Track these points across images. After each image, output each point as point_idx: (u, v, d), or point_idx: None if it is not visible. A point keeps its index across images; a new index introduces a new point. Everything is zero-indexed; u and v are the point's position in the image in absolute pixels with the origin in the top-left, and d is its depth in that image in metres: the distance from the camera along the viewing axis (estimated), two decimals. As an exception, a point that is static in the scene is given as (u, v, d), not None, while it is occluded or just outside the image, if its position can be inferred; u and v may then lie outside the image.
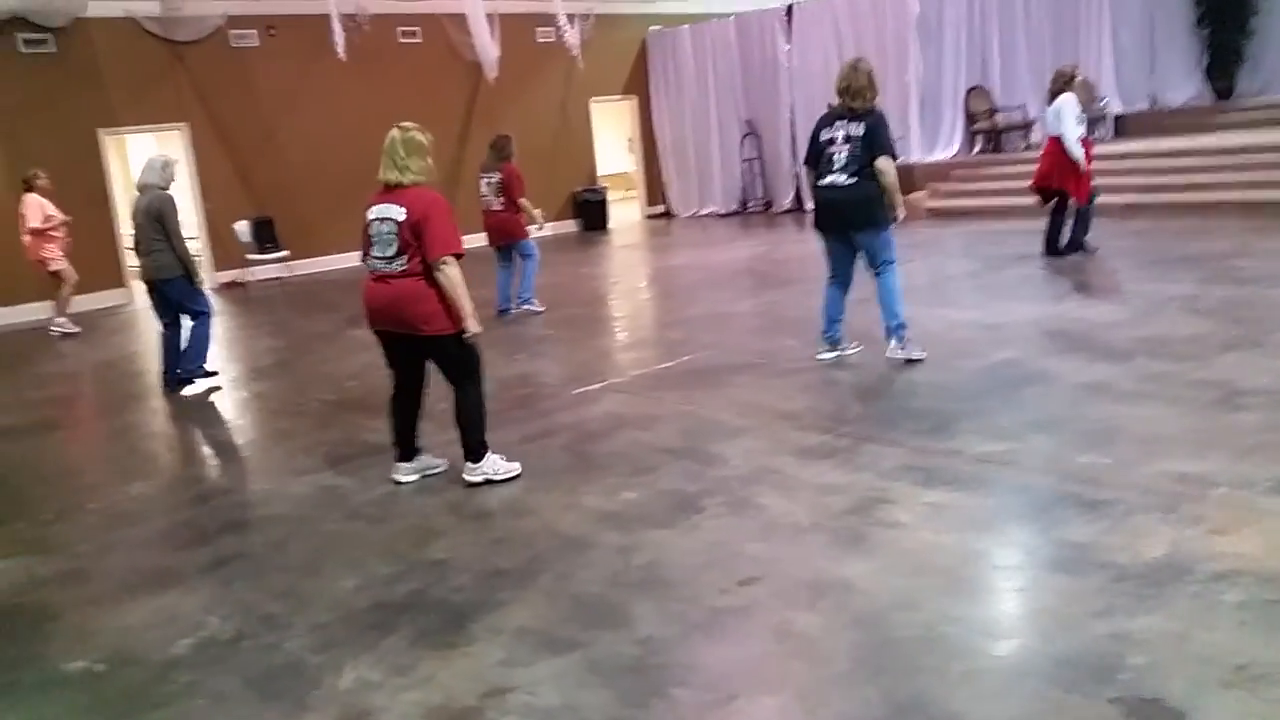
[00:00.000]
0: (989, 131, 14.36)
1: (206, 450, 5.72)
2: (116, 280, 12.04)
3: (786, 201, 15.44)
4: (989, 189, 12.58)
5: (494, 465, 4.44)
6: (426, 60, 14.22)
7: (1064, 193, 8.38)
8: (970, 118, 14.38)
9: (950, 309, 7.03)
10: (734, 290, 9.13)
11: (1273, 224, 9.03)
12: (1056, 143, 8.28)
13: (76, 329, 10.07)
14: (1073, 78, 8.40)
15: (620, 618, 3.08)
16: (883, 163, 5.46)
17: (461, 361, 4.30)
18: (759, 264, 10.66)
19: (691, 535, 3.68)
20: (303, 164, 13.15)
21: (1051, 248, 8.56)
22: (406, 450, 4.52)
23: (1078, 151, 8.15)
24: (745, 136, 15.86)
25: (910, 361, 5.62)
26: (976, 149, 14.51)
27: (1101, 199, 8.74)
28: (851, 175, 5.54)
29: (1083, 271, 7.98)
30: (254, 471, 5.07)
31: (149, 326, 8.91)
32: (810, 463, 4.27)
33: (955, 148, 14.23)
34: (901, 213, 5.64)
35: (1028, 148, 14.28)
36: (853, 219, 5.66)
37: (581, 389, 5.95)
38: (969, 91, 14.38)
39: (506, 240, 8.46)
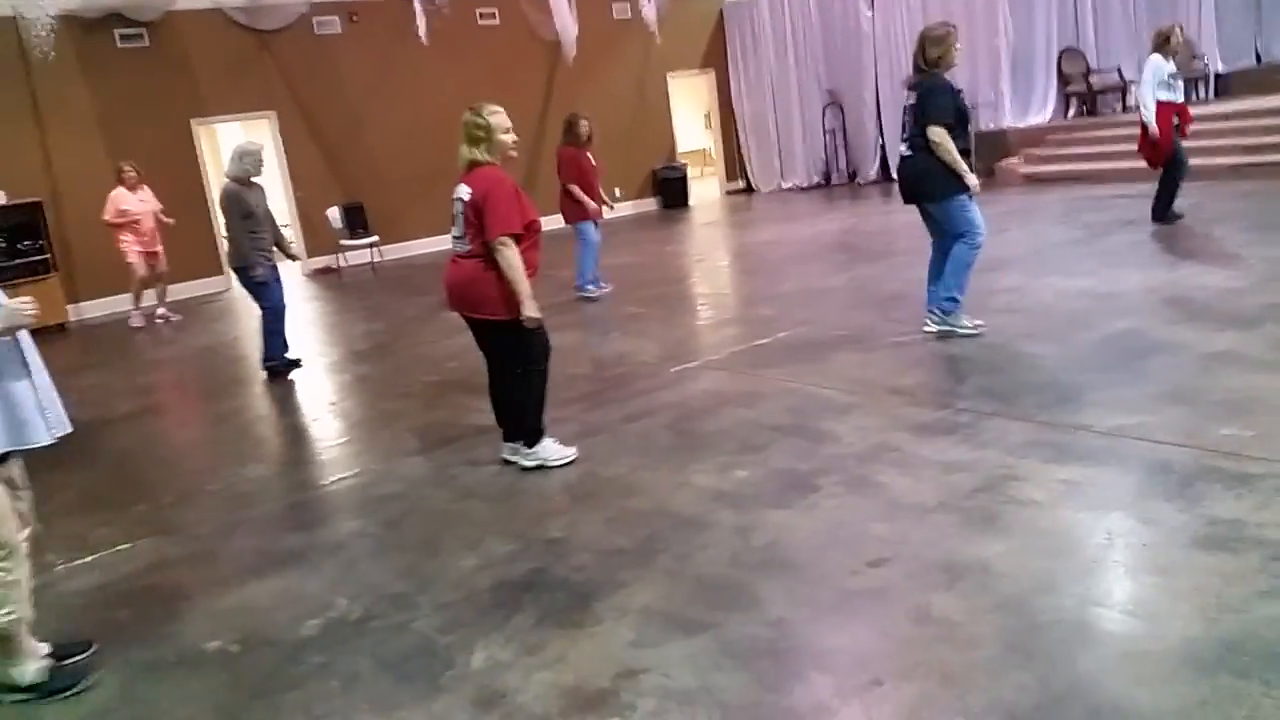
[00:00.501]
0: (1083, 94, 13.83)
1: (315, 433, 5.81)
2: (215, 268, 12.35)
3: (872, 172, 15.12)
4: (1085, 154, 12.13)
5: (549, 450, 4.42)
6: (505, 42, 14.24)
7: (1178, 154, 8.01)
8: (1064, 80, 13.86)
9: (1059, 277, 6.76)
10: (823, 265, 8.94)
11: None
12: (1161, 106, 7.91)
13: (143, 323, 10.33)
14: (1168, 38, 7.99)
15: (748, 599, 3.01)
16: (932, 132, 5.30)
17: (520, 348, 4.26)
18: (847, 237, 10.43)
19: (811, 515, 3.58)
20: (387, 149, 13.31)
21: (1156, 214, 8.21)
22: (511, 430, 4.51)
23: (1149, 116, 7.86)
24: (827, 107, 15.56)
25: (951, 335, 5.56)
26: (1071, 112, 13.99)
27: (1207, 161, 8.31)
28: (911, 147, 5.49)
29: (1194, 237, 7.61)
30: (364, 452, 5.12)
31: (248, 311, 9.13)
32: (929, 439, 4.13)
33: (1049, 112, 13.74)
34: (972, 181, 5.35)
35: (1125, 110, 13.75)
36: (917, 191, 5.58)
37: (679, 367, 5.88)
38: (1062, 53, 13.87)
39: (569, 220, 8.49)
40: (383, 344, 7.93)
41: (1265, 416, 3.87)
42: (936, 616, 2.79)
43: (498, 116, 4.17)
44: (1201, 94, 13.40)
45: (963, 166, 5.31)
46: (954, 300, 5.60)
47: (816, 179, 15.96)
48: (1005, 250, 7.92)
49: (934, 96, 5.37)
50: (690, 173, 17.06)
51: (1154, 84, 7.89)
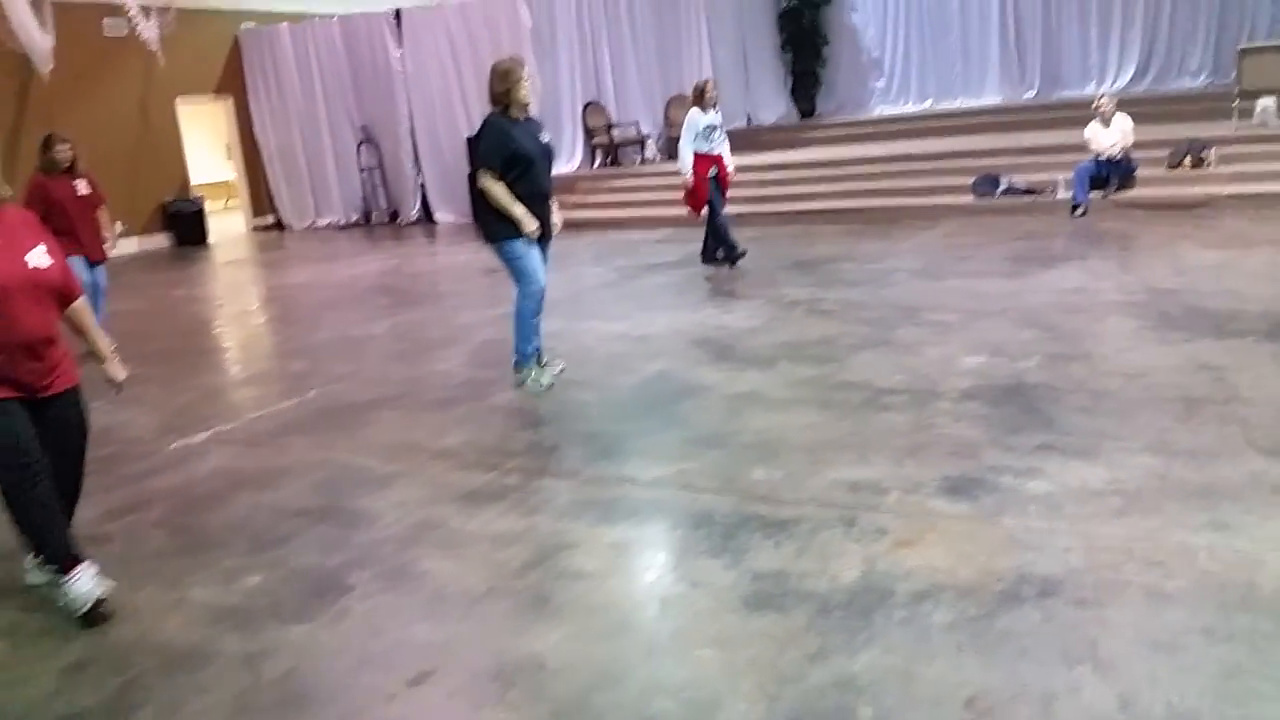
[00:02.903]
0: (607, 146, 14.68)
1: None
2: None
3: (413, 212, 14.70)
4: (612, 201, 12.80)
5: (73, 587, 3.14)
6: (-41, 48, 11.68)
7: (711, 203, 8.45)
8: (589, 132, 14.60)
9: (598, 320, 6.81)
10: (363, 310, 8.29)
11: (864, 229, 9.94)
12: (698, 158, 8.32)
13: None
14: (704, 92, 8.44)
15: (254, 760, 2.33)
16: (479, 177, 5.06)
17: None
18: (390, 280, 9.87)
19: (340, 626, 2.97)
20: None
21: (705, 257, 8.65)
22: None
23: (685, 167, 8.27)
24: (362, 144, 14.89)
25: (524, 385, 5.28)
26: (597, 163, 14.77)
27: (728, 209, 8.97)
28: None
29: (713, 279, 8.18)
30: None
31: None
32: (477, 510, 3.72)
33: (577, 161, 14.36)
34: (528, 225, 4.95)
35: (643, 162, 14.82)
36: (481, 233, 5.31)
37: (182, 441, 4.91)
38: (585, 107, 14.60)
39: None
40: None
41: (790, 456, 4.00)
42: (489, 743, 2.34)
43: None
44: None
45: (516, 211, 4.93)
46: (522, 354, 5.28)
47: (355, 217, 15.20)
48: (548, 294, 7.90)
49: (483, 138, 5.07)
50: (211, 206, 15.38)
51: (690, 137, 8.25)
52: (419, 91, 14.05)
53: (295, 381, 6.00)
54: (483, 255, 5.24)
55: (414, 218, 14.63)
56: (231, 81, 15.20)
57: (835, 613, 2.76)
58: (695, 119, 8.28)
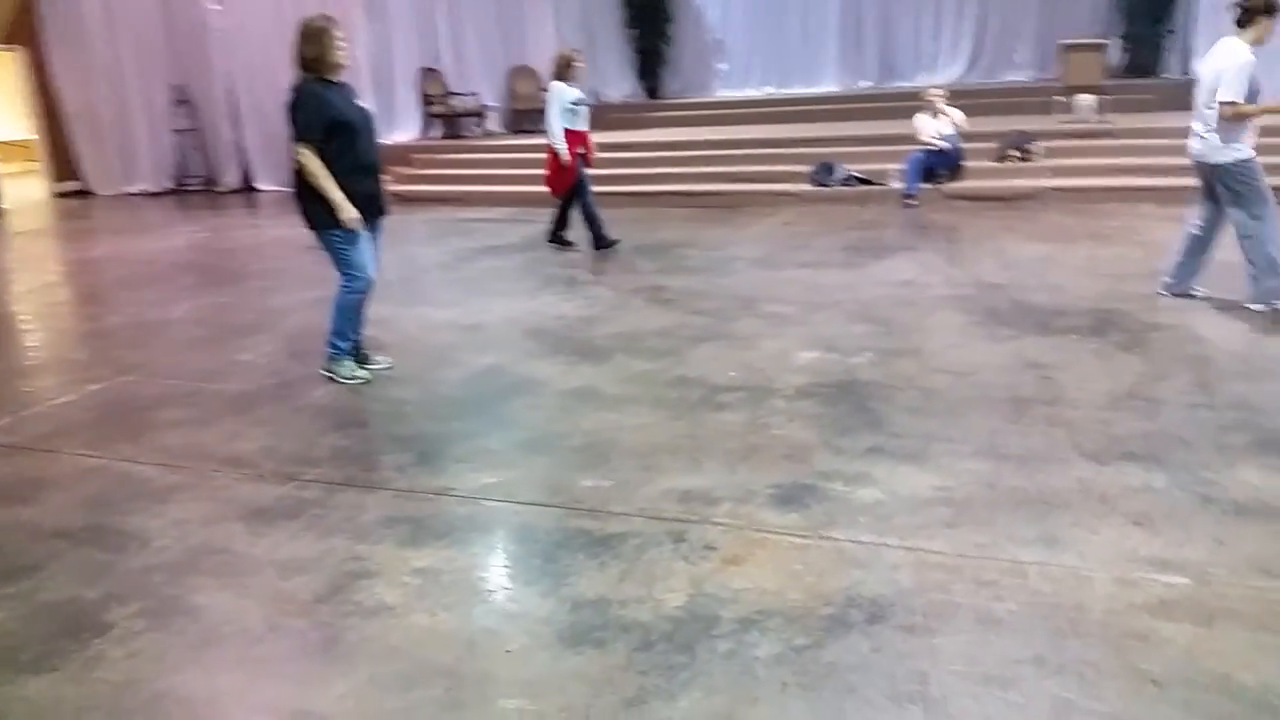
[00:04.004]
0: (445, 116, 14.08)
1: None
2: None
3: (232, 180, 13.70)
4: (450, 175, 12.27)
5: None
6: None
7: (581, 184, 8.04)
8: (426, 100, 13.96)
9: (427, 307, 6.39)
10: (165, 290, 7.55)
11: (708, 214, 9.84)
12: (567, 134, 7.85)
13: None
14: (570, 63, 7.89)
15: None
16: (298, 153, 4.48)
17: None
18: (199, 255, 9.08)
19: (89, 676, 2.53)
20: None
21: (555, 237, 8.28)
22: None
23: (558, 144, 7.79)
24: (177, 104, 13.75)
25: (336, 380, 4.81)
26: (434, 133, 14.16)
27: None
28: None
29: (552, 264, 7.87)
30: None
31: None
32: (267, 529, 3.31)
33: (414, 130, 13.71)
34: (348, 214, 4.49)
35: (485, 135, 14.31)
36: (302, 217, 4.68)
37: (-72, 446, 4.25)
38: (422, 73, 13.94)
39: None
40: None
41: (621, 461, 3.76)
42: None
43: None
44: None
45: (335, 196, 4.43)
46: (335, 348, 4.82)
47: (168, 184, 14.06)
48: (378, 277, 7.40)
49: (298, 107, 4.47)
50: (6, 169, 13.88)
51: (558, 110, 7.76)
52: (239, 49, 13.07)
53: (76, 373, 5.34)
54: (305, 230, 4.72)
55: (233, 186, 13.64)
56: (23, 31, 13.70)
57: (657, 646, 2.54)
58: (563, 92, 7.84)
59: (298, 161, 4.50)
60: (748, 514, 3.28)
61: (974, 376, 4.57)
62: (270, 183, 13.11)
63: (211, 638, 2.69)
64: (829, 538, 3.09)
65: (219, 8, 13.02)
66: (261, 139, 13.19)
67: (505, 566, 3.01)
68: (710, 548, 3.05)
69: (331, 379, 4.81)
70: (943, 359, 4.86)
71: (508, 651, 2.57)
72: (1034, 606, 2.66)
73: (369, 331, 5.00)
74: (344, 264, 4.68)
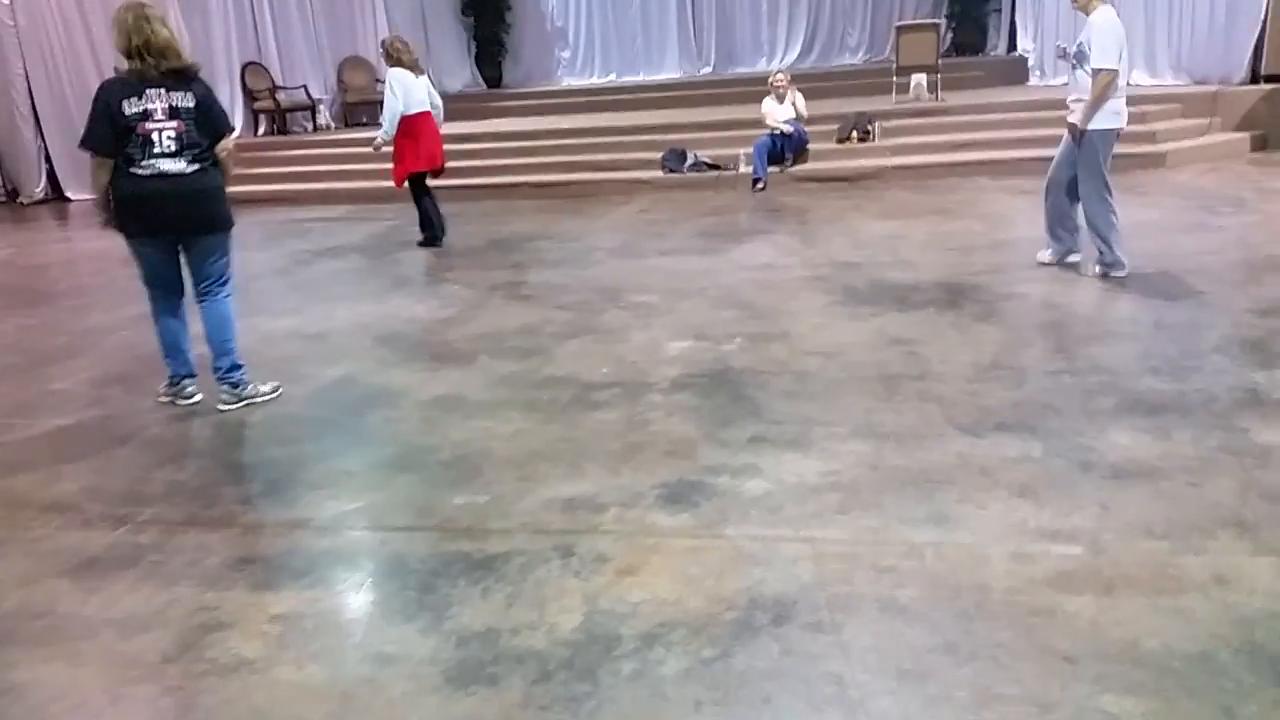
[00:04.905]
0: (273, 111, 13.31)
1: None
2: None
3: (38, 190, 12.52)
4: (281, 173, 11.60)
5: None
6: None
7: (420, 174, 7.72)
8: (251, 96, 13.16)
9: (265, 317, 5.92)
10: (-37, 315, 6.76)
11: (561, 204, 9.62)
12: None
13: None
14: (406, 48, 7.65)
15: None
16: (230, 144, 4.25)
17: None
18: (3, 274, 8.20)
19: (-120, 786, 2.13)
20: None
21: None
22: None
23: (389, 130, 7.51)
24: (-37, 110, 12.44)
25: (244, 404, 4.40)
26: (261, 130, 13.37)
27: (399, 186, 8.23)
28: (194, 160, 4.14)
29: (400, 263, 7.48)
30: None
31: None
32: (99, 583, 2.90)
33: (238, 128, 12.88)
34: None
35: (315, 129, 13.63)
36: (202, 217, 4.25)
37: None
38: (245, 67, 13.13)
39: None
40: None
41: (496, 473, 3.52)
42: None
43: None
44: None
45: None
46: (240, 367, 4.41)
47: (-38, 198, 12.73)
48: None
49: (218, 99, 4.29)
50: None
51: (401, 98, 7.43)
52: (35, 46, 11.93)
53: None
54: (120, 241, 4.25)
55: (39, 196, 12.47)
56: None
57: (557, 676, 2.33)
58: (400, 80, 7.47)
59: (214, 157, 4.21)
60: (637, 518, 3.11)
61: (843, 356, 4.56)
62: (83, 191, 12.04)
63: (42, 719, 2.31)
64: (723, 536, 2.96)
65: (8, 2, 11.84)
66: (69, 142, 12.08)
67: (377, 603, 2.73)
68: (602, 559, 2.86)
69: (251, 402, 4.39)
70: (810, 341, 4.83)
71: (389, 701, 2.31)
72: (936, 590, 2.60)
73: (197, 347, 4.54)
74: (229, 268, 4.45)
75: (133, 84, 4.05)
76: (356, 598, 2.76)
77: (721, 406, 4.02)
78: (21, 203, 12.47)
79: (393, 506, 3.32)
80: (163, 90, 4.07)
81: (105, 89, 4.06)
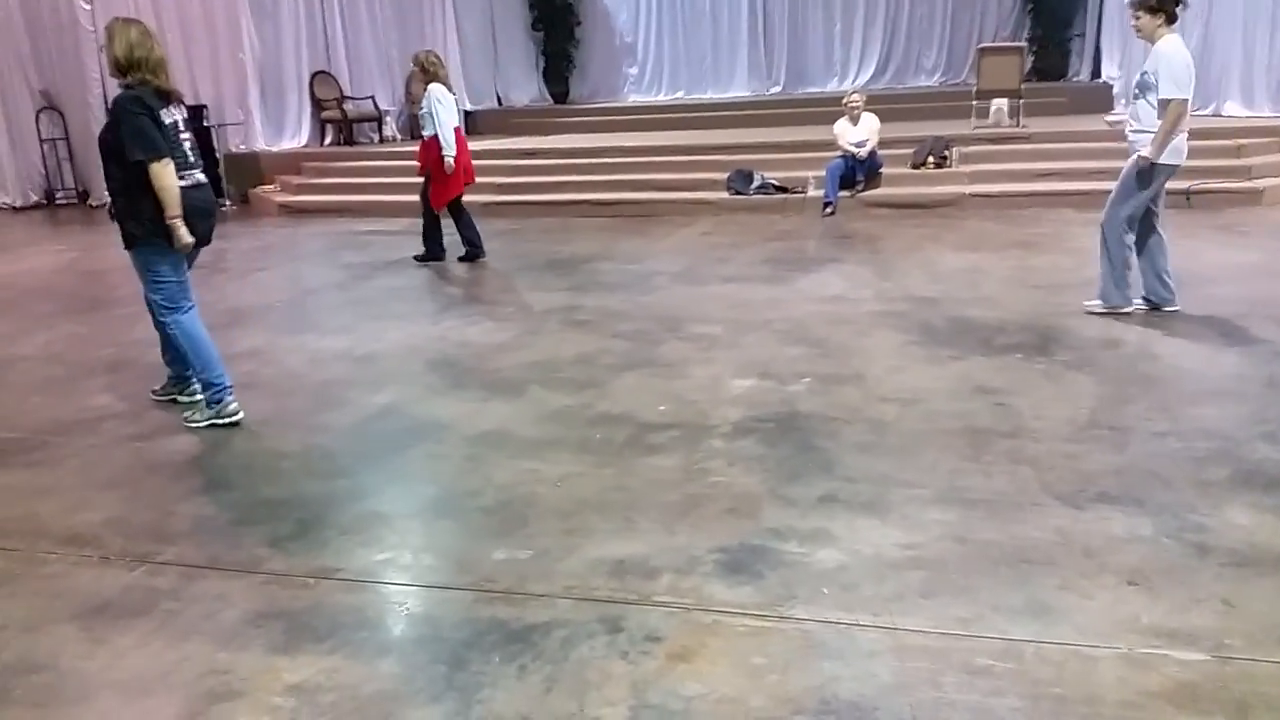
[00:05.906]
0: (339, 121, 13.31)
1: None
2: None
3: (106, 194, 12.65)
4: (345, 184, 11.55)
5: None
6: None
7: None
8: (319, 105, 13.17)
9: (313, 335, 5.74)
10: (19, 320, 6.69)
11: (622, 224, 9.37)
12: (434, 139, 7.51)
13: None
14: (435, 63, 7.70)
15: None
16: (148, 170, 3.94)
17: None
18: (62, 278, 8.19)
19: None
20: None
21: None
22: None
23: (449, 148, 7.45)
24: (41, 111, 12.66)
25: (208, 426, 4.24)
26: (328, 140, 13.38)
27: (466, 199, 8.13)
28: (204, 172, 4.29)
29: (456, 282, 7.29)
30: None
31: None
32: (108, 633, 2.68)
33: (305, 136, 12.92)
34: (180, 238, 4.03)
35: (381, 141, 13.60)
36: (212, 228, 4.37)
37: None
38: (314, 76, 13.16)
39: None
40: None
41: (540, 524, 3.24)
42: None
43: None
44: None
45: (176, 209, 3.99)
46: (220, 387, 4.25)
47: (36, 197, 12.94)
48: (254, 298, 6.73)
49: (128, 118, 3.92)
50: None
51: (450, 116, 7.48)
52: (110, 52, 12.06)
53: (-106, 425, 4.55)
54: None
55: (107, 199, 12.60)
56: None
57: (596, 786, 2.03)
58: (445, 96, 7.44)
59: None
60: (693, 588, 2.79)
61: (922, 405, 4.20)
62: (148, 195, 12.15)
63: (17, 799, 2.08)
64: (790, 617, 2.63)
65: (89, 6, 12.00)
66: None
67: (401, 679, 2.45)
68: (652, 638, 2.55)
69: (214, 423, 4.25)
70: (886, 385, 4.48)
71: (406, 803, 2.03)
72: (1038, 701, 2.24)
73: (241, 365, 4.36)
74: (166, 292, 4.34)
75: (157, 95, 3.99)
76: (380, 669, 2.49)
77: (789, 457, 3.69)
78: (91, 205, 12.63)
79: (427, 558, 3.05)
80: (172, 104, 4.06)
81: (137, 100, 3.94)
